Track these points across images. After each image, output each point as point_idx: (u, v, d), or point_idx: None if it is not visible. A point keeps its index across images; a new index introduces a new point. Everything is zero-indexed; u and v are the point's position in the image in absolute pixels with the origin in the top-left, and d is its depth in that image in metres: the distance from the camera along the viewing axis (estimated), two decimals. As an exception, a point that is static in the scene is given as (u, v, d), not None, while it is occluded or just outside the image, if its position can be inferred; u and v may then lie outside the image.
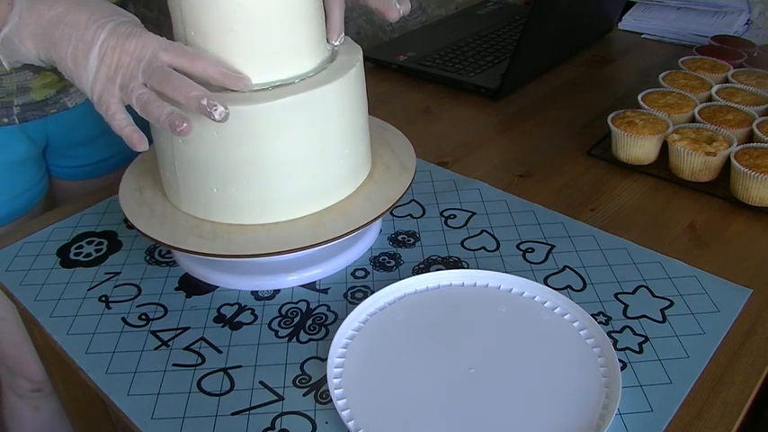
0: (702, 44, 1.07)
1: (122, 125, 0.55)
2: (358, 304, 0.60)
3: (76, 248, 0.72)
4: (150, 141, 0.64)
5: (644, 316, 0.60)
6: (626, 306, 0.61)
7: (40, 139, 0.86)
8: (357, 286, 0.65)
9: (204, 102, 0.52)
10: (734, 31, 1.15)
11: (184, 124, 0.52)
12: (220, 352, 0.59)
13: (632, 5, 1.27)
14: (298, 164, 0.59)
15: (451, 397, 0.52)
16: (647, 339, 0.58)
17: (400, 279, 0.62)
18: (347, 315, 0.58)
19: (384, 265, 0.68)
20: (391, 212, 0.74)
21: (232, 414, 0.53)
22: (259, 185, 0.59)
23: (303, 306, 0.63)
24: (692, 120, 0.84)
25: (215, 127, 0.56)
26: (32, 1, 0.55)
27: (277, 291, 0.65)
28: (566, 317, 0.59)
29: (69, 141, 0.89)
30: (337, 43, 0.63)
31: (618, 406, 0.49)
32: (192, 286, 0.66)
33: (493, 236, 0.71)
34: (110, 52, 0.53)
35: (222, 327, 0.61)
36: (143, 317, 0.63)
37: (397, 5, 0.64)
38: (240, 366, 0.57)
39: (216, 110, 0.52)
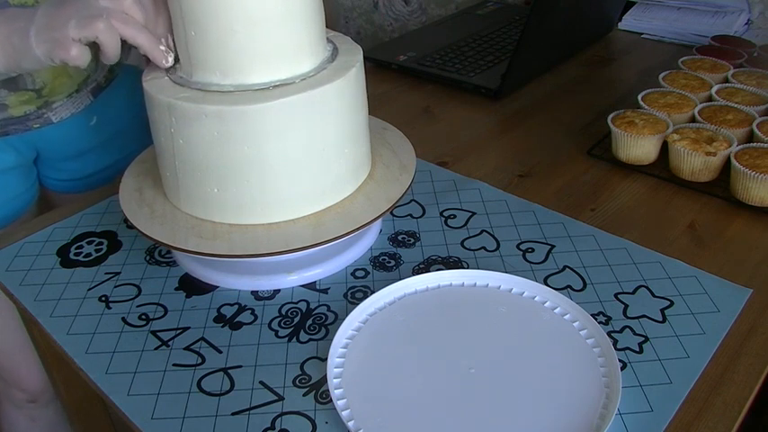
0: (702, 44, 1.07)
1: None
2: (358, 304, 0.60)
3: (76, 248, 0.72)
4: (150, 142, 0.65)
5: (644, 316, 0.60)
6: (626, 306, 0.61)
7: (29, 152, 0.86)
8: (357, 286, 0.65)
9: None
10: (734, 31, 1.15)
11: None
12: (220, 352, 0.59)
13: (632, 5, 1.27)
14: (298, 164, 0.59)
15: (451, 397, 0.52)
16: (647, 339, 0.58)
17: (400, 279, 0.62)
18: (347, 315, 0.58)
19: (384, 265, 0.68)
20: (391, 212, 0.74)
21: (232, 414, 0.53)
22: (259, 185, 0.59)
23: (303, 306, 0.63)
24: (692, 120, 0.84)
25: (215, 127, 0.56)
26: None
27: (277, 291, 0.65)
28: (566, 317, 0.59)
29: (59, 155, 0.89)
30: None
31: (618, 406, 0.49)
32: (192, 286, 0.66)
33: (493, 236, 0.71)
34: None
35: (222, 327, 0.61)
36: (143, 317, 0.63)
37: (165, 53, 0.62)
38: (240, 366, 0.57)
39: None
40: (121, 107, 0.92)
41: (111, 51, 0.58)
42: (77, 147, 0.89)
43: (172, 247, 0.60)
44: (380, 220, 0.66)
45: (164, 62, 0.60)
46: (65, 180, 0.92)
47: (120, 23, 0.57)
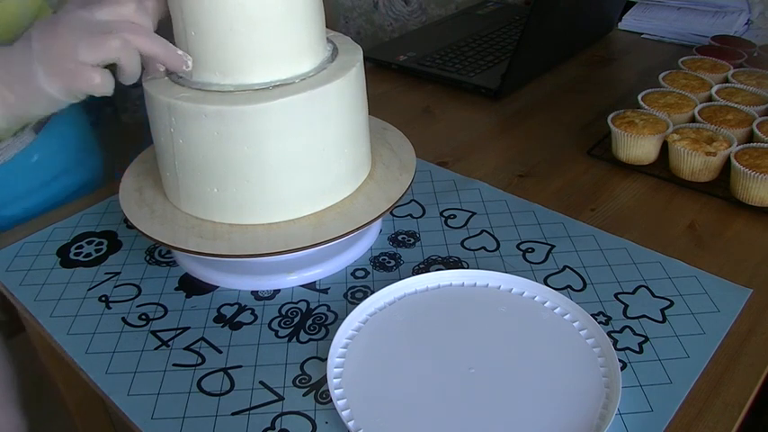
0: (702, 44, 1.07)
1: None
2: (358, 304, 0.60)
3: (76, 248, 0.72)
4: (150, 142, 0.65)
5: (644, 316, 0.60)
6: (626, 306, 0.61)
7: None
8: (357, 286, 0.65)
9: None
10: (734, 31, 1.15)
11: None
12: (220, 352, 0.59)
13: (632, 5, 1.27)
14: (298, 164, 0.59)
15: (451, 397, 0.52)
16: (647, 339, 0.58)
17: (400, 279, 0.62)
18: (347, 315, 0.58)
19: (384, 265, 0.68)
20: (391, 212, 0.74)
21: (232, 414, 0.53)
22: (259, 185, 0.59)
23: (303, 306, 0.63)
24: (692, 120, 0.84)
25: (215, 127, 0.56)
26: None
27: (277, 291, 0.65)
28: (566, 317, 0.59)
29: (6, 198, 0.82)
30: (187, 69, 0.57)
31: (618, 406, 0.49)
32: (192, 286, 0.66)
33: (493, 236, 0.71)
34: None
35: (222, 327, 0.61)
36: (143, 317, 0.63)
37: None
38: (240, 366, 0.57)
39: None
40: (62, 142, 0.85)
41: (132, 69, 0.52)
42: (19, 188, 0.82)
43: (172, 247, 0.60)
44: (380, 220, 0.66)
45: (184, 67, 0.56)
46: (19, 219, 0.84)
47: (133, 35, 0.51)
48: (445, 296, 0.62)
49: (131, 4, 0.52)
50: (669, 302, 0.62)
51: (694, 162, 0.77)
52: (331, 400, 0.52)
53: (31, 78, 0.51)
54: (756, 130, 0.79)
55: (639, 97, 0.87)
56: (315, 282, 0.66)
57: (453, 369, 0.54)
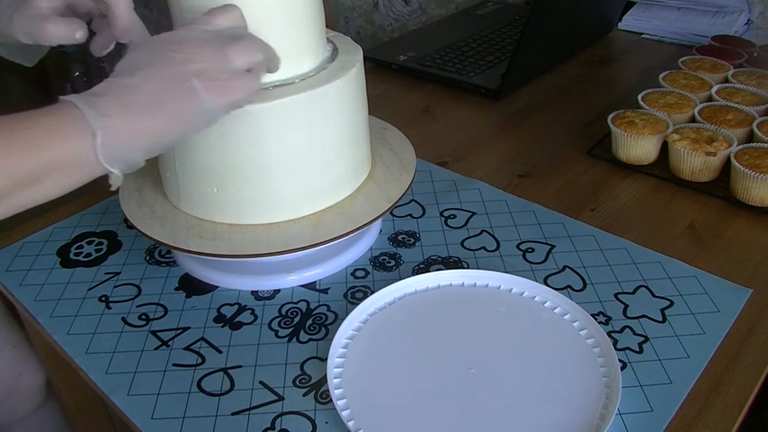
0: (702, 44, 1.07)
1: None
2: (358, 304, 0.60)
3: (76, 248, 0.72)
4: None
5: (644, 316, 0.60)
6: (626, 306, 0.61)
7: None
8: (357, 286, 0.65)
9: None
10: (734, 31, 1.15)
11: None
12: (220, 352, 0.59)
13: (632, 5, 1.27)
14: (298, 164, 0.59)
15: (452, 397, 0.52)
16: (647, 339, 0.58)
17: (400, 279, 0.62)
18: (347, 315, 0.58)
19: (384, 265, 0.68)
20: (391, 212, 0.74)
21: (232, 414, 0.53)
22: (259, 185, 0.59)
23: (303, 306, 0.63)
24: (692, 120, 0.84)
25: (215, 127, 0.56)
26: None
27: (277, 291, 0.65)
28: (566, 317, 0.59)
29: None
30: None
31: (618, 406, 0.49)
32: (192, 286, 0.66)
33: (493, 236, 0.71)
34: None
35: (222, 327, 0.61)
36: (143, 317, 0.63)
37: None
38: (240, 366, 0.57)
39: None
40: None
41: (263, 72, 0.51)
42: None
43: (172, 247, 0.60)
44: (380, 220, 0.66)
45: (279, 66, 0.54)
46: None
47: (257, 38, 0.51)
48: (445, 296, 0.62)
49: (238, 10, 0.51)
50: (669, 302, 0.62)
51: (694, 162, 0.77)
52: (331, 400, 0.52)
53: (187, 98, 0.46)
54: (756, 130, 0.79)
55: (639, 97, 0.87)
56: (315, 282, 0.66)
57: (453, 369, 0.54)
